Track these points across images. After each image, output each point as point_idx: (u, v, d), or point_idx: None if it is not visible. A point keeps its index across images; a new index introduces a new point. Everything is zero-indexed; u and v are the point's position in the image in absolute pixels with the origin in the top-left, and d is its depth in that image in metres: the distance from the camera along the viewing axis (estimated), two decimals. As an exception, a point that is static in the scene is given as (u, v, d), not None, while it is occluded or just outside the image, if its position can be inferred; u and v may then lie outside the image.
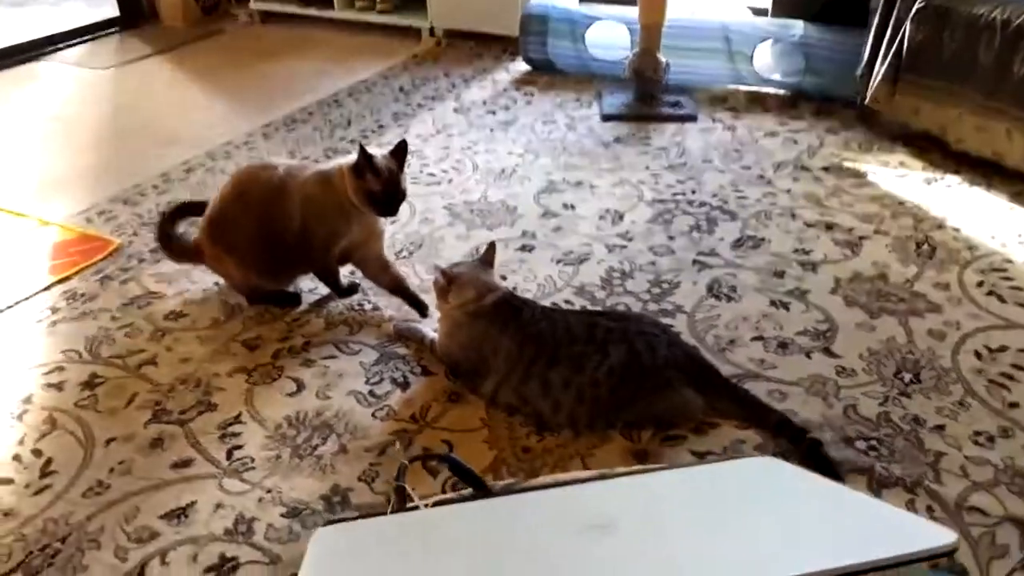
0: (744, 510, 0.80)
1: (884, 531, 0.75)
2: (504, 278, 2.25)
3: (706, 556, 0.71)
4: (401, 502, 0.97)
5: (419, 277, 2.33)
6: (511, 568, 0.76)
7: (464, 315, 1.85)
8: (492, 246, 1.98)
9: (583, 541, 0.73)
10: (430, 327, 2.07)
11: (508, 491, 1.02)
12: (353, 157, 2.00)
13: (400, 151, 2.05)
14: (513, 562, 0.76)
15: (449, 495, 1.04)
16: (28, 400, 1.91)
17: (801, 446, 1.64)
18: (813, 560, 0.69)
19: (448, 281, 1.86)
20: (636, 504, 0.85)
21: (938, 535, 0.72)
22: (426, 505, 0.94)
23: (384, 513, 0.93)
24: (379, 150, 2.04)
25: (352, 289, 2.25)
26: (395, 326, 2.09)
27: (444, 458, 1.06)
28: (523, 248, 2.47)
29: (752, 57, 3.57)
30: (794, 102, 3.52)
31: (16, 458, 1.75)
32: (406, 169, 2.07)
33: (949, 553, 0.76)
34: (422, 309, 2.17)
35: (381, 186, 1.99)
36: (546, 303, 2.17)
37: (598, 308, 2.15)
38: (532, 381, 1.75)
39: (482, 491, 1.02)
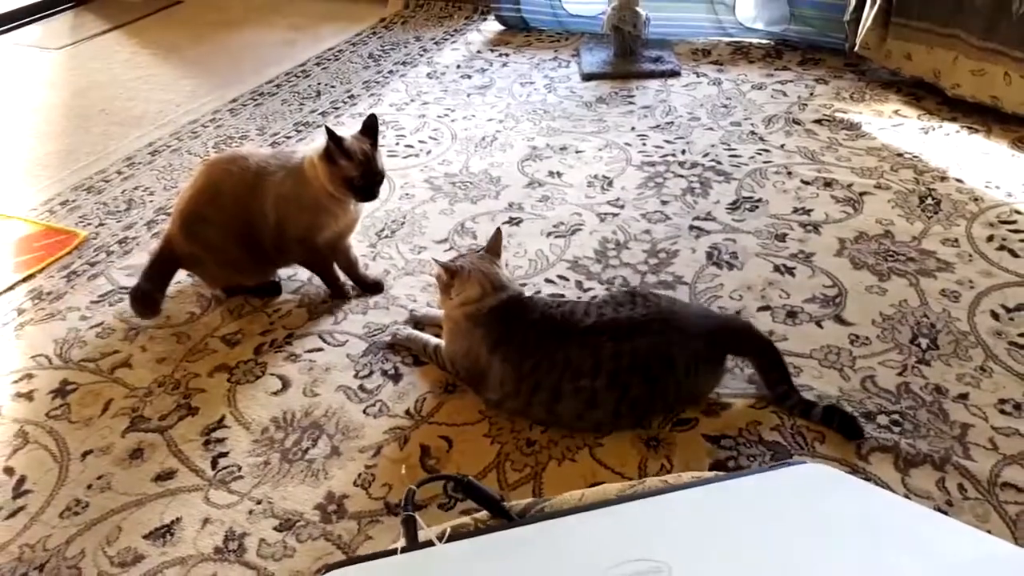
0: (814, 538, 0.70)
1: (992, 567, 0.66)
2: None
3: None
4: (411, 535, 0.86)
5: (403, 258, 2.21)
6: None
7: (463, 318, 1.68)
8: (498, 233, 1.77)
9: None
10: (431, 333, 1.90)
11: (531, 518, 0.91)
12: (320, 143, 1.86)
13: (370, 128, 1.89)
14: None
15: (464, 521, 0.94)
16: (-4, 413, 1.79)
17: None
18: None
19: (450, 275, 1.68)
20: (685, 535, 0.75)
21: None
22: (439, 537, 0.83)
23: (394, 551, 0.82)
24: (347, 131, 1.89)
25: (346, 293, 2.09)
26: (394, 334, 1.91)
27: (458, 480, 0.95)
28: (510, 221, 2.35)
29: (734, 6, 3.44)
30: (779, 52, 3.40)
31: (-14, 478, 1.64)
32: (380, 145, 1.92)
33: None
34: (376, 288, 2.08)
35: (357, 171, 1.84)
36: (540, 279, 2.08)
37: (620, 296, 1.72)
38: (536, 408, 1.62)
39: (502, 517, 0.92)
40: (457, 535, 0.85)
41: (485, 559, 0.80)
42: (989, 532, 1.37)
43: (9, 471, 1.65)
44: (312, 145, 1.95)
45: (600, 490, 0.96)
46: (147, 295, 1.99)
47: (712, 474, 1.06)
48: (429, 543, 0.84)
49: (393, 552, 0.83)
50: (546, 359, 1.58)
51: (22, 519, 1.54)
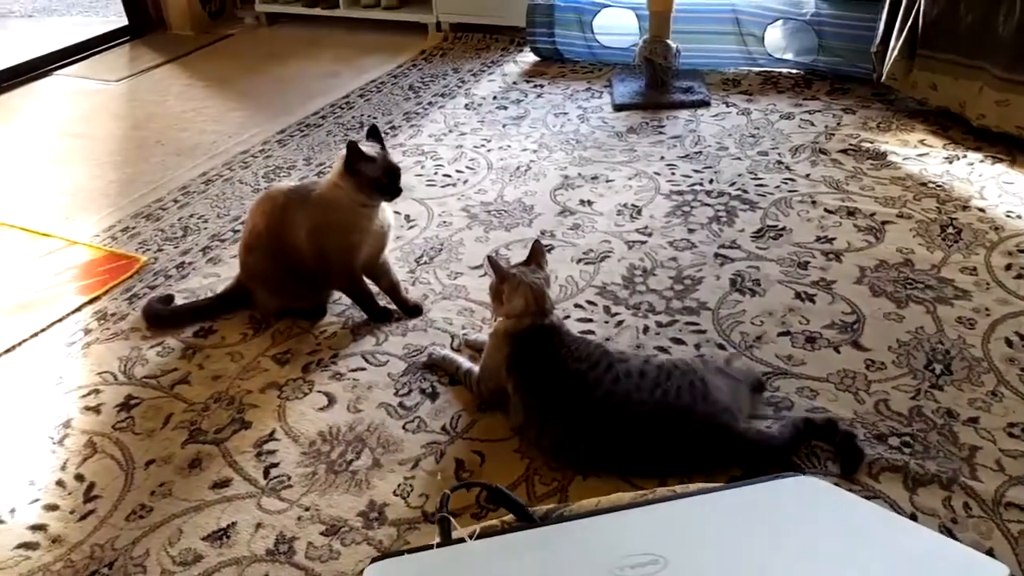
0: (793, 539, 0.80)
1: (937, 562, 0.75)
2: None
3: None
4: (446, 533, 0.98)
5: (441, 283, 2.34)
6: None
7: (504, 333, 1.76)
8: (536, 244, 1.83)
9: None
10: (465, 356, 2.02)
11: (552, 520, 1.03)
12: (334, 166, 2.05)
13: (374, 134, 2.11)
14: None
15: (492, 523, 1.06)
16: (68, 424, 1.95)
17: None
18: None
19: (500, 280, 1.75)
20: (682, 535, 0.86)
21: (989, 569, 0.72)
22: (470, 535, 0.95)
23: (431, 546, 0.94)
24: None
25: (387, 315, 2.21)
26: (430, 354, 2.03)
27: (488, 487, 1.07)
28: (544, 248, 2.47)
29: (763, 38, 3.54)
30: (808, 82, 3.49)
31: (60, 484, 1.78)
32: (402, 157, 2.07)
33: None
34: (415, 311, 2.21)
35: (380, 171, 2.03)
36: (569, 303, 2.19)
37: (652, 368, 1.68)
38: (545, 446, 1.70)
39: (527, 520, 1.03)
40: (486, 534, 0.97)
41: (510, 554, 0.91)
42: (991, 549, 1.44)
43: (80, 478, 1.80)
44: (326, 178, 2.10)
45: (614, 497, 1.07)
46: (160, 313, 2.27)
47: (714, 484, 1.16)
48: (461, 540, 0.96)
49: (430, 547, 0.95)
50: (550, 414, 1.66)
51: (92, 521, 1.68)
